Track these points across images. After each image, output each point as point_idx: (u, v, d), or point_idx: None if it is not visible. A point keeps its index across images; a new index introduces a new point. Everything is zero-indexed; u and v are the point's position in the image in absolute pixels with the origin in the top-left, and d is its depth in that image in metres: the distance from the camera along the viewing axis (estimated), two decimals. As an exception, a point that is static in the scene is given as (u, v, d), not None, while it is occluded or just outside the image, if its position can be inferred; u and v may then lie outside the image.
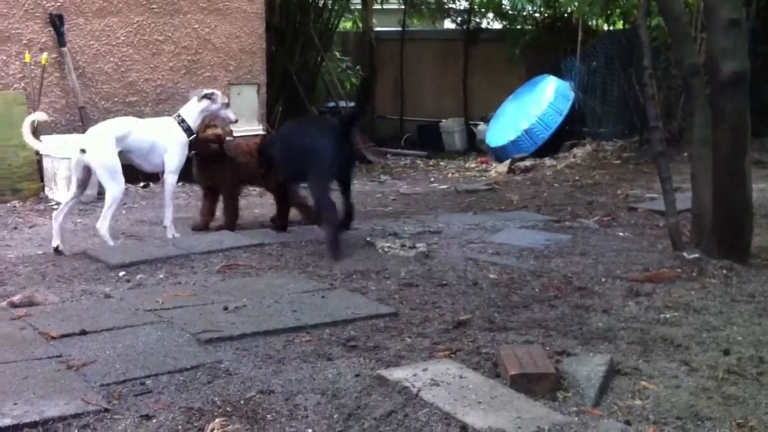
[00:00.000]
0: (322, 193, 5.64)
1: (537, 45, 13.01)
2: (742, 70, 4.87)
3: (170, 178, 6.33)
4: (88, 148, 5.88)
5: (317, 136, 5.85)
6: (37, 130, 8.12)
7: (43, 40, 8.54)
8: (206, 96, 6.52)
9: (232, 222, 6.57)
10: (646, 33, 5.74)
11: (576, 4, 11.56)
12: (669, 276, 4.75)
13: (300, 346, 3.66)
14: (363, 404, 3.01)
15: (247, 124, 9.98)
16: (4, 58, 8.33)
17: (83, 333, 3.74)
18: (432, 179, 10.50)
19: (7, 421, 2.82)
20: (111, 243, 5.86)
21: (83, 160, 5.87)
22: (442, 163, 12.13)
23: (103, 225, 5.89)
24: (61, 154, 6.39)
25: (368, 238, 5.84)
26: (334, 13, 13.01)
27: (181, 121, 6.40)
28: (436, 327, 3.93)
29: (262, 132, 10.22)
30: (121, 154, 6.06)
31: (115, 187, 5.92)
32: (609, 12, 12.33)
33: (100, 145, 5.91)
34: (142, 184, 8.61)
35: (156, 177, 8.72)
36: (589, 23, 12.54)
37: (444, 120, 13.74)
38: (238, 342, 3.68)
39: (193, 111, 6.48)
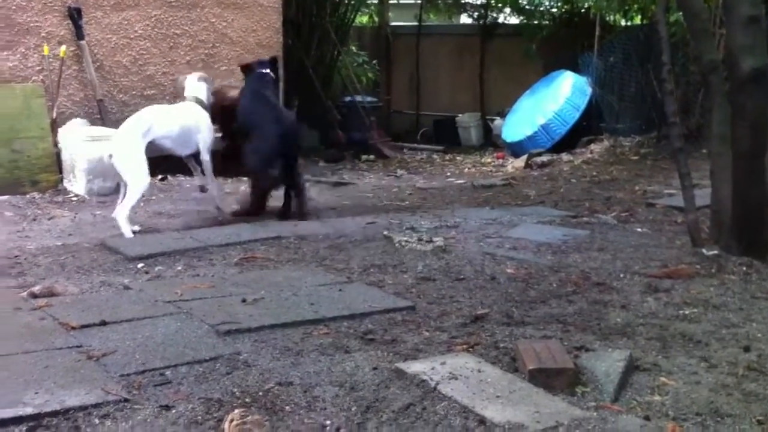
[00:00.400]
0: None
1: (554, 40, 12.97)
2: (761, 66, 4.83)
3: (207, 157, 6.55)
4: (113, 152, 6.12)
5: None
6: (56, 122, 8.19)
7: (61, 33, 8.57)
8: (204, 78, 6.88)
9: None
10: (665, 28, 5.71)
11: (594, -1, 11.52)
12: (688, 272, 4.73)
13: (318, 339, 3.67)
14: (381, 397, 3.02)
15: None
16: (23, 50, 8.37)
17: (103, 324, 3.77)
18: (448, 174, 10.49)
19: (29, 410, 2.84)
20: (128, 233, 5.91)
21: (113, 163, 6.15)
22: (458, 158, 12.11)
23: (121, 214, 5.99)
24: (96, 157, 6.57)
25: (385, 232, 5.84)
26: (350, 7, 13.00)
27: (200, 102, 6.65)
28: (454, 321, 3.94)
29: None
30: (153, 144, 6.27)
31: (139, 183, 6.10)
32: (627, 7, 12.27)
33: (124, 149, 6.12)
34: (160, 176, 8.64)
35: (174, 170, 8.77)
36: (607, 18, 12.49)
37: (460, 115, 13.72)
38: (256, 334, 3.69)
39: (203, 92, 6.76)
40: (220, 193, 6.54)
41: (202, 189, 6.83)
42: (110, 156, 6.13)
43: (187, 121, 6.49)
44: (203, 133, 6.55)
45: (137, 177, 6.08)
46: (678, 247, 5.45)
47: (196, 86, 6.76)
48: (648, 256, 5.21)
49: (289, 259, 5.19)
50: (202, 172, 6.65)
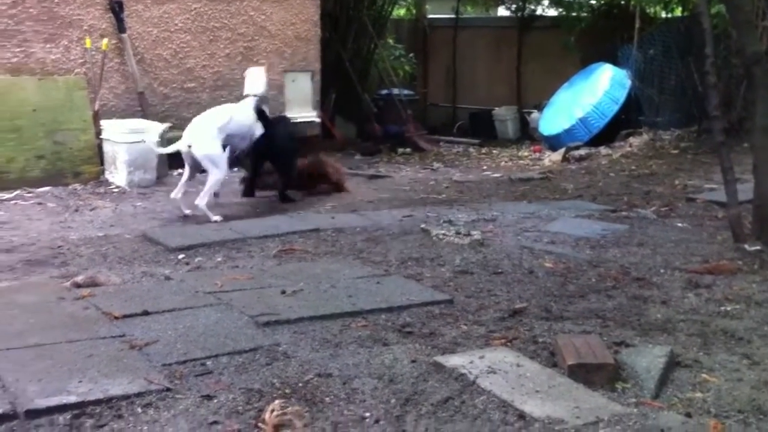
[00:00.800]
0: None
1: (592, 32, 12.82)
2: (807, 58, 4.76)
3: None
4: (192, 142, 6.55)
5: None
6: (98, 115, 8.30)
7: (103, 26, 8.67)
8: (261, 74, 7.34)
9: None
10: (708, 20, 5.62)
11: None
12: (729, 268, 4.68)
13: (356, 331, 3.68)
14: (420, 390, 3.03)
15: (301, 111, 10.06)
16: (66, 43, 8.48)
17: (145, 313, 3.82)
18: (485, 167, 10.45)
19: (72, 399, 2.89)
20: (213, 217, 6.36)
21: (191, 153, 6.58)
22: (494, 151, 12.06)
23: (202, 201, 6.46)
24: (173, 150, 6.85)
25: (422, 225, 5.85)
26: (387, 0, 12.99)
27: (261, 98, 7.18)
28: (492, 315, 3.93)
29: (316, 119, 10.29)
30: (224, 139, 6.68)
31: (218, 172, 6.56)
32: (667, -1, 12.12)
33: (203, 138, 6.55)
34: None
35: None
36: (647, 10, 12.33)
37: (497, 108, 13.65)
38: (295, 325, 3.72)
39: (262, 88, 7.24)
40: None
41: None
42: (189, 146, 6.56)
43: (250, 119, 6.99)
44: (259, 130, 7.03)
45: (218, 167, 6.54)
46: (719, 242, 5.39)
47: (255, 82, 7.21)
48: (689, 251, 5.15)
49: (326, 252, 5.22)
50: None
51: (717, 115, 5.54)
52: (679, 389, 3.08)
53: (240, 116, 6.93)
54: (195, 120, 6.79)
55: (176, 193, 6.72)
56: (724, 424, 2.79)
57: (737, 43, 8.56)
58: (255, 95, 7.12)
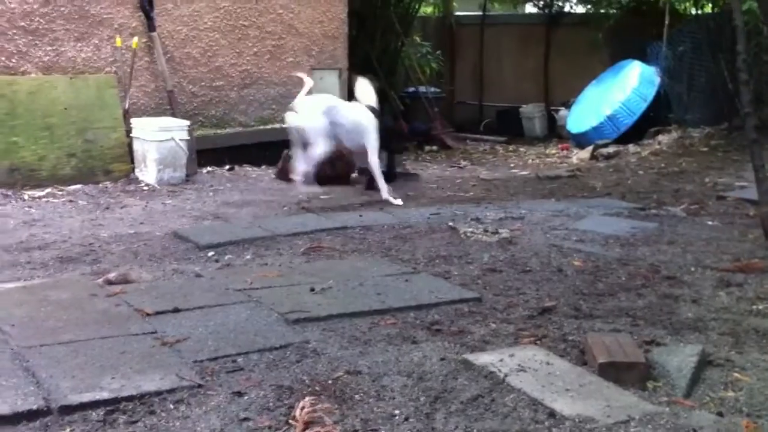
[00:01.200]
0: None
1: (621, 29, 12.73)
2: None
3: (374, 158, 7.21)
4: (302, 124, 7.02)
5: None
6: (128, 113, 8.37)
7: (133, 25, 8.74)
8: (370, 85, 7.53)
9: None
10: (740, 16, 5.57)
11: (664, -14, 11.26)
12: (761, 266, 4.64)
13: (385, 329, 3.69)
14: (449, 387, 3.03)
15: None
16: (96, 42, 8.56)
17: (176, 311, 3.85)
18: (512, 165, 10.42)
19: (105, 395, 2.93)
20: (317, 189, 7.06)
21: (294, 123, 7.09)
22: (521, 149, 12.02)
23: (308, 175, 7.05)
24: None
25: (450, 223, 5.85)
26: (415, -3, 12.99)
27: (372, 109, 7.33)
28: (521, 313, 3.93)
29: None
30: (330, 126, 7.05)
31: (318, 150, 6.96)
32: (697, -5, 12.00)
33: (311, 121, 7.00)
34: (227, 167, 8.78)
35: (241, 160, 8.90)
36: (676, 6, 12.22)
37: (524, 105, 13.60)
38: (324, 323, 3.73)
39: (373, 98, 7.47)
40: (384, 187, 7.23)
41: (369, 185, 7.52)
42: (301, 128, 7.01)
43: (360, 119, 7.23)
44: (371, 134, 7.18)
45: (318, 145, 6.94)
46: (751, 240, 5.34)
47: (366, 93, 7.47)
48: (719, 249, 5.11)
49: (354, 249, 5.24)
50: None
51: (749, 112, 5.49)
52: (710, 388, 3.06)
53: (347, 111, 7.26)
54: (304, 98, 7.22)
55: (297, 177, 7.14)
56: (756, 423, 2.77)
57: (769, 40, 8.47)
58: (368, 105, 7.35)
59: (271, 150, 8.79)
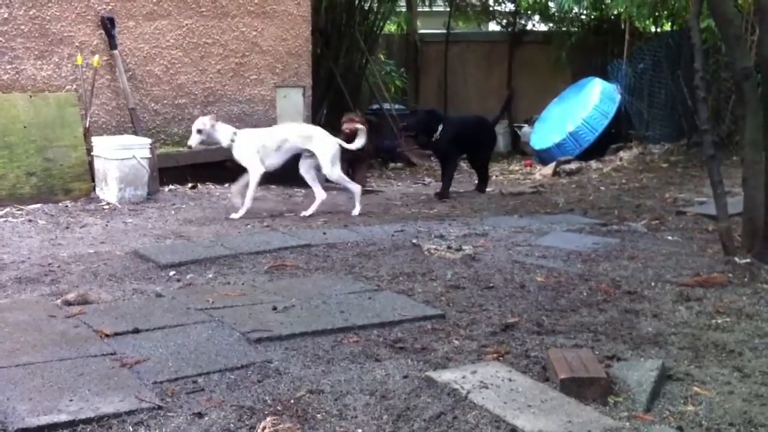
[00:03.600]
0: None
1: (583, 47, 12.91)
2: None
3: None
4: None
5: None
6: (89, 131, 8.29)
7: (94, 43, 8.68)
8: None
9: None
10: (698, 35, 5.67)
11: (624, 6, 11.43)
12: (720, 281, 4.70)
13: (348, 347, 3.68)
14: (412, 405, 3.03)
15: (292, 126, 10.03)
16: (57, 60, 8.48)
17: (136, 331, 3.81)
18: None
19: (63, 417, 2.88)
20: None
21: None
22: (486, 166, 12.05)
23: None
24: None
25: (414, 240, 5.85)
26: (379, 15, 13.04)
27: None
28: (484, 329, 3.93)
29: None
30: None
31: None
32: (657, 14, 12.19)
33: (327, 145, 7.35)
34: (190, 185, 8.72)
35: (204, 178, 8.85)
36: (636, 25, 12.41)
37: (488, 122, 13.67)
38: (287, 342, 3.71)
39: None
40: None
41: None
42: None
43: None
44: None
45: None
46: (710, 255, 5.41)
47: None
48: (679, 264, 5.17)
49: (318, 267, 5.22)
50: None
51: (707, 129, 5.57)
52: (671, 402, 3.08)
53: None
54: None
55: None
56: (715, 437, 2.80)
57: (727, 58, 8.62)
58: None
59: (235, 168, 8.75)
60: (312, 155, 7.35)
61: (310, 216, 7.20)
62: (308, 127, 7.77)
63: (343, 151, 7.46)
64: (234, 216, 7.08)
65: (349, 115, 9.15)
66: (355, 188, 7.49)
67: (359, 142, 7.60)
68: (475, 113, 10.51)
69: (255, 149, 7.24)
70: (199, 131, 7.19)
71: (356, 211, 7.36)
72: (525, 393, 3.07)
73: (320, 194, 7.37)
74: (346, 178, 7.53)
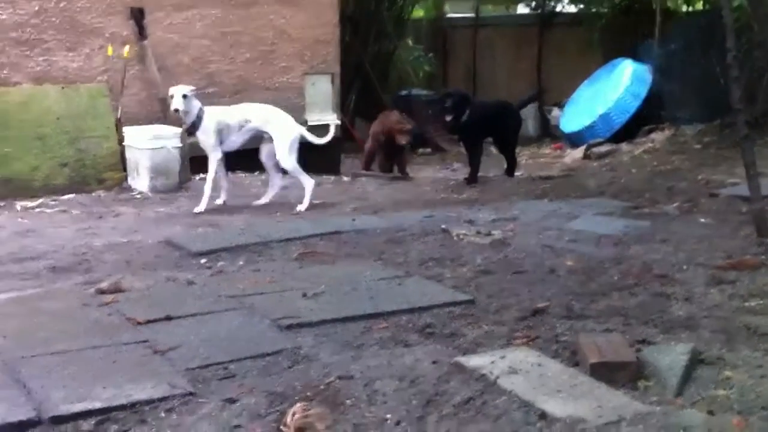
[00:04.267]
0: None
1: (613, 28, 12.77)
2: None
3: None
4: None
5: None
6: (120, 121, 8.37)
7: (124, 34, 8.74)
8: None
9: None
10: (729, 14, 5.58)
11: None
12: (753, 263, 4.64)
13: (378, 333, 3.69)
14: (441, 391, 3.03)
15: (320, 114, 10.07)
16: (88, 51, 8.56)
17: (168, 318, 3.85)
18: (505, 166, 10.39)
19: (97, 404, 2.93)
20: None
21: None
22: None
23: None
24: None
25: (443, 225, 5.85)
26: (407, 0, 13.00)
27: None
28: (513, 314, 3.92)
29: (336, 121, 10.35)
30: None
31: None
32: (689, -7, 12.04)
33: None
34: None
35: (233, 166, 8.90)
36: (668, 5, 12.25)
37: (517, 106, 13.60)
38: (317, 328, 3.73)
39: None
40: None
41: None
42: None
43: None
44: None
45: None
46: (742, 237, 5.34)
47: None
48: (712, 247, 5.12)
49: (348, 254, 5.23)
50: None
51: (740, 109, 5.49)
52: (702, 387, 3.06)
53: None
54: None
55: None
56: (747, 420, 2.77)
57: (759, 36, 8.48)
58: None
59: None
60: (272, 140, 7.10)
61: (306, 210, 6.92)
62: (271, 109, 7.34)
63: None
64: (197, 210, 6.85)
65: (393, 117, 9.25)
66: (308, 183, 7.04)
67: (329, 136, 7.40)
68: (503, 98, 10.44)
69: (217, 127, 7.03)
70: (185, 96, 6.94)
71: (303, 207, 6.93)
72: (554, 378, 3.06)
73: (308, 182, 7.06)
74: (300, 169, 7.08)
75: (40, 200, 7.40)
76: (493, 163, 10.19)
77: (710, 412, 2.83)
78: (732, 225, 5.80)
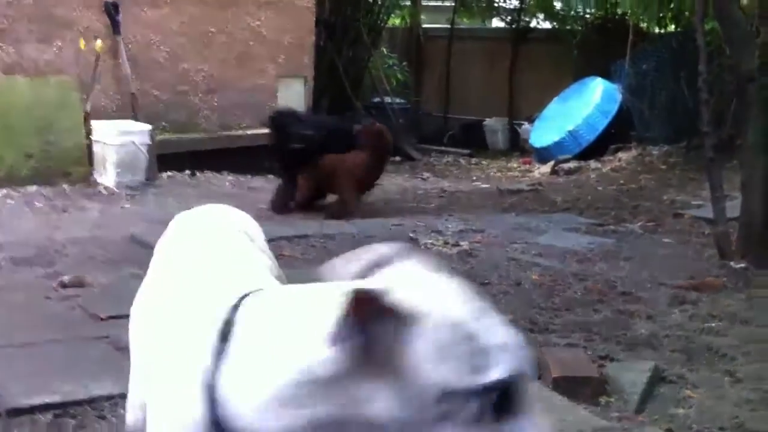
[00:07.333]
0: None
1: (586, 46, 12.88)
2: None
3: None
4: None
5: None
6: (89, 116, 8.28)
7: (97, 28, 8.64)
8: None
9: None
10: (702, 37, 5.67)
11: (630, 5, 11.40)
12: (715, 285, 4.70)
13: (342, 339, 3.68)
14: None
15: (293, 117, 10.02)
16: (60, 44, 8.45)
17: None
18: (474, 178, 10.46)
19: (56, 398, 2.90)
20: None
21: None
22: (484, 162, 12.08)
23: None
24: None
25: (411, 234, 5.86)
26: (383, 9, 13.03)
27: None
28: (478, 326, 3.93)
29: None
30: None
31: None
32: (661, 14, 12.17)
33: None
34: (188, 172, 8.71)
35: (201, 166, 8.85)
36: (641, 25, 12.39)
37: (487, 119, 13.69)
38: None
39: None
40: None
41: None
42: None
43: None
44: None
45: None
46: (705, 259, 5.42)
47: None
48: (675, 267, 5.18)
49: (315, 258, 5.22)
50: None
51: (708, 132, 5.57)
52: (662, 404, 3.09)
53: None
54: None
55: None
56: (705, 440, 2.81)
57: (731, 60, 8.61)
58: None
59: (234, 156, 8.76)
60: None
61: None
62: None
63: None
64: None
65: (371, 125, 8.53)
66: None
67: None
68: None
69: None
70: None
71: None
72: (517, 390, 3.07)
73: None
74: None
75: (4, 191, 7.28)
76: (462, 174, 10.25)
77: (669, 430, 2.87)
78: (695, 246, 5.87)
